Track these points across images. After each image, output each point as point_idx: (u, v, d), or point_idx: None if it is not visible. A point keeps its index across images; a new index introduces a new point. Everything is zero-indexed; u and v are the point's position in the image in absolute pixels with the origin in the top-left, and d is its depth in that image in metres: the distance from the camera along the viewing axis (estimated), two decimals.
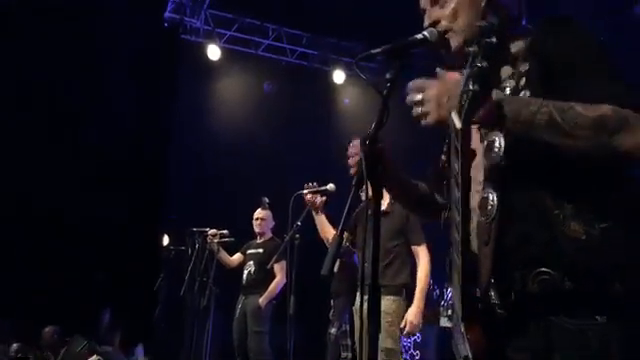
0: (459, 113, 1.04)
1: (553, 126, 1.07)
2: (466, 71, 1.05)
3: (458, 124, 1.04)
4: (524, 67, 1.17)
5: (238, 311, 4.91)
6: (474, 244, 1.21)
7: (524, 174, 1.15)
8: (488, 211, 1.16)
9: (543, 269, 1.11)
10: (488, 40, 1.04)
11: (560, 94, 1.12)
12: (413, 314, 3.24)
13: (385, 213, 3.14)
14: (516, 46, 1.18)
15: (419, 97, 1.17)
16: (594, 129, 1.06)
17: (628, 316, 1.09)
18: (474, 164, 1.26)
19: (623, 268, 1.09)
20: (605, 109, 1.07)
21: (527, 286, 1.12)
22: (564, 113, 1.07)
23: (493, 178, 1.17)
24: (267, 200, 5.08)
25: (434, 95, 1.15)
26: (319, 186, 3.36)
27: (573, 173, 1.13)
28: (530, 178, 1.15)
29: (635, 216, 1.14)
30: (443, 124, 1.16)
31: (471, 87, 1.03)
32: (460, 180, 1.08)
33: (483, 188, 1.19)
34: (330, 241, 3.45)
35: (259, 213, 5.09)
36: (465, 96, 1.03)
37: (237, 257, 5.16)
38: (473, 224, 1.22)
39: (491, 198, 1.16)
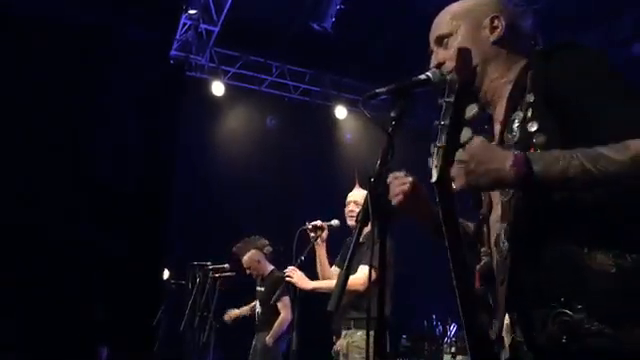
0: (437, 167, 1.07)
1: (587, 178, 1.02)
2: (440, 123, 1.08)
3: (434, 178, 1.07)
4: (530, 98, 1.15)
5: (252, 349, 4.83)
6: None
7: (538, 207, 1.12)
8: (501, 248, 1.13)
9: (564, 310, 1.06)
10: (447, 100, 1.08)
11: (573, 121, 1.09)
12: (303, 278, 3.24)
13: (362, 244, 3.09)
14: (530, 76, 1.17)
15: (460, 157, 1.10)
16: (630, 173, 1.01)
17: None
18: (495, 202, 1.26)
19: None
20: (633, 147, 1.01)
21: (547, 327, 1.07)
22: (596, 162, 1.02)
23: (506, 215, 1.15)
24: (238, 244, 4.88)
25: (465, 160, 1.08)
26: (322, 222, 3.39)
27: (600, 199, 1.09)
28: (545, 211, 1.11)
29: None
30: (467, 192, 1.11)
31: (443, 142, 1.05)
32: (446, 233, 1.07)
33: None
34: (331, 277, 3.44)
35: (243, 262, 4.88)
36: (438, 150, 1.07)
37: (245, 309, 5.12)
38: (494, 263, 1.20)
39: (502, 236, 1.14)
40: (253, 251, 4.86)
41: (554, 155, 1.06)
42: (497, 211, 1.22)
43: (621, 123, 1.04)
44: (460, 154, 1.06)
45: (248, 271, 4.92)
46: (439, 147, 1.05)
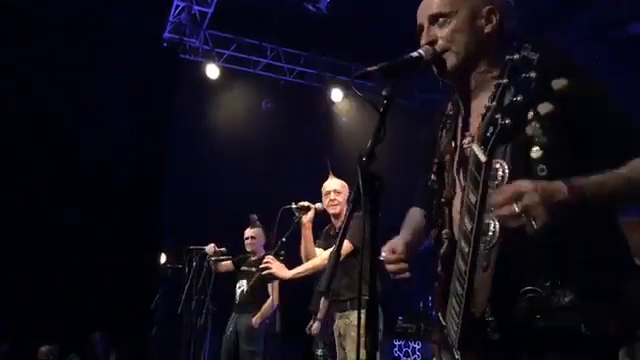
0: (483, 145, 1.00)
1: (627, 198, 1.12)
2: (494, 104, 1.00)
3: (482, 157, 1.00)
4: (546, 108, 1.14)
5: (230, 329, 4.83)
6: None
7: None
8: (488, 237, 1.15)
9: (530, 287, 1.11)
10: (525, 75, 0.97)
11: (579, 138, 1.15)
12: (281, 267, 3.23)
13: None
14: (558, 84, 1.12)
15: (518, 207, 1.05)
16: None
17: (614, 328, 1.10)
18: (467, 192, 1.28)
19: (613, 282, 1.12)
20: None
21: (516, 304, 1.12)
22: (630, 184, 1.11)
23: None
24: (256, 217, 5.04)
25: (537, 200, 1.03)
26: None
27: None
28: None
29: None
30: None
31: (500, 121, 0.98)
32: (477, 212, 1.05)
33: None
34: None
35: (249, 232, 5.04)
36: (492, 128, 0.99)
37: (227, 264, 5.09)
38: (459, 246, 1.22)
39: (492, 225, 1.14)
40: (262, 230, 5.03)
41: (599, 179, 1.10)
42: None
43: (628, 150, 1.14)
44: (531, 196, 1.03)
45: (247, 241, 5.00)
46: (497, 124, 0.97)
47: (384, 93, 1.23)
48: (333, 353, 4.11)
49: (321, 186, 3.64)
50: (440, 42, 1.32)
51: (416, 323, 6.22)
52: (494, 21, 1.33)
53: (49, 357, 5.44)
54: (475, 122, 1.32)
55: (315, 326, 4.64)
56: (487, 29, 1.32)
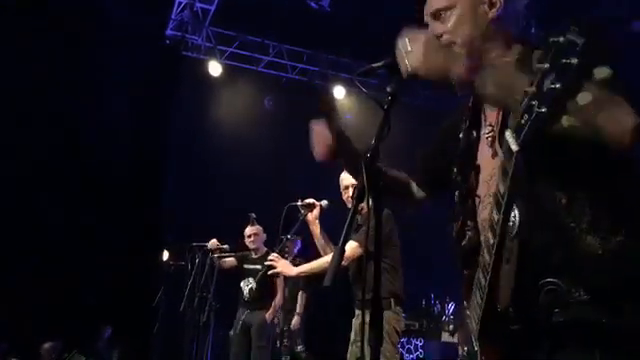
0: (516, 133, 0.94)
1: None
2: (532, 89, 0.92)
3: (514, 146, 0.95)
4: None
5: (240, 325, 4.86)
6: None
7: (540, 188, 1.13)
8: (509, 227, 1.12)
9: (550, 279, 1.09)
10: (566, 61, 0.88)
11: None
12: (286, 264, 3.24)
13: (360, 225, 3.03)
14: (601, 72, 0.96)
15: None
16: None
17: (634, 324, 1.08)
18: (484, 179, 1.27)
19: (634, 285, 1.09)
20: None
21: (537, 298, 1.11)
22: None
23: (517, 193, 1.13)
24: (254, 216, 5.07)
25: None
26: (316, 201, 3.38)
27: (588, 185, 1.12)
28: (546, 190, 1.13)
29: None
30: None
31: (537, 108, 0.89)
32: (504, 203, 1.01)
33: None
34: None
35: (250, 230, 5.08)
36: (527, 115, 0.92)
37: (230, 261, 5.11)
38: (483, 237, 1.22)
39: (513, 214, 1.11)
40: (258, 226, 5.09)
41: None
42: (490, 191, 1.21)
43: None
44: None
45: (248, 239, 5.04)
46: (533, 111, 0.90)
47: (389, 90, 1.22)
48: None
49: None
50: (444, 36, 1.31)
51: (419, 320, 6.23)
52: (498, 4, 1.30)
53: (51, 355, 5.45)
54: (491, 110, 1.31)
55: (295, 321, 4.69)
56: (491, 14, 1.30)
